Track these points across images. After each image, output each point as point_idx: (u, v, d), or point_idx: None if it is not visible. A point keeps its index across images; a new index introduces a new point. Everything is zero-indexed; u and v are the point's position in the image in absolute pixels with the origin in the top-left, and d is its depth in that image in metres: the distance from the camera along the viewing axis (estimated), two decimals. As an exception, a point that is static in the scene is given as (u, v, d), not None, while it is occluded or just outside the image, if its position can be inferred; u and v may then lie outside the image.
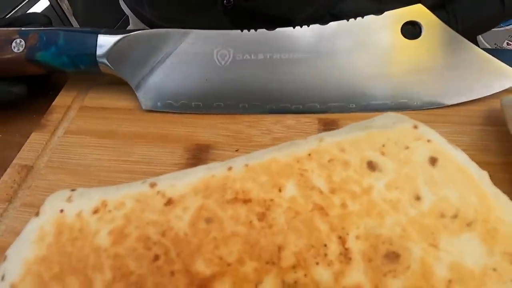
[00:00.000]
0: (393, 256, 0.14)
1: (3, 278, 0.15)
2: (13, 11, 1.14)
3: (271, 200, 0.16)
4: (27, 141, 0.29)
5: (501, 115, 0.24)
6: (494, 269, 0.14)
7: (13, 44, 0.29)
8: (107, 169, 0.27)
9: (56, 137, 0.29)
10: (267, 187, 0.16)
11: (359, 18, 0.26)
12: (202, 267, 0.15)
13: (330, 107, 0.27)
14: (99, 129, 0.29)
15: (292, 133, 0.27)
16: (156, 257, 0.15)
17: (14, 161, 0.28)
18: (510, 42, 1.39)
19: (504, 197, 0.16)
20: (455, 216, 0.15)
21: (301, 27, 0.27)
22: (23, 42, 0.29)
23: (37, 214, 0.17)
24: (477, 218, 0.15)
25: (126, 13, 0.55)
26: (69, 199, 0.17)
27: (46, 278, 0.15)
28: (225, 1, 0.36)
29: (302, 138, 0.26)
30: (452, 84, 0.26)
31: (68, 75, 0.34)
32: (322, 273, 0.14)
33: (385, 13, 0.26)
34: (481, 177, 0.16)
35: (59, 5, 1.39)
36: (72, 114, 0.31)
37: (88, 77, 0.33)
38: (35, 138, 0.29)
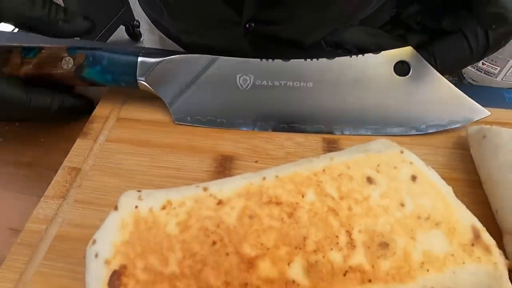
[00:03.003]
0: (384, 245, 0.20)
1: (96, 255, 0.21)
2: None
3: (297, 203, 0.22)
4: (73, 146, 0.34)
5: (466, 142, 0.31)
6: (452, 255, 0.20)
7: (63, 61, 0.34)
8: (146, 173, 0.32)
9: (98, 143, 0.34)
10: (293, 193, 0.22)
11: (360, 56, 0.32)
12: (248, 250, 0.20)
13: (332, 129, 0.33)
14: (135, 138, 0.34)
15: (301, 149, 0.33)
16: (214, 242, 0.21)
17: (64, 164, 0.33)
18: (485, 62, 1.51)
19: (462, 206, 0.22)
20: (427, 218, 0.21)
21: (311, 60, 0.32)
22: (71, 60, 0.34)
23: (115, 208, 0.22)
24: (442, 220, 0.21)
25: (142, 19, 0.58)
26: (139, 198, 0.23)
27: (132, 256, 0.20)
28: (247, 25, 0.42)
29: (310, 153, 0.33)
30: (432, 115, 0.32)
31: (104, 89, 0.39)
32: (335, 256, 0.20)
33: (381, 52, 0.32)
34: (447, 191, 0.22)
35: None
36: (110, 124, 0.36)
37: (123, 92, 0.38)
38: (80, 144, 0.34)
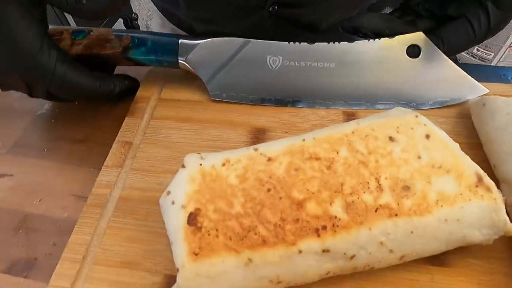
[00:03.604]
0: (406, 188, 0.25)
1: (173, 202, 0.25)
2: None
3: (333, 158, 0.27)
4: (123, 123, 0.38)
5: (468, 111, 0.36)
6: (461, 194, 0.25)
7: (111, 43, 0.38)
8: (191, 145, 0.36)
9: (144, 121, 0.39)
10: (329, 151, 0.27)
11: (377, 40, 0.36)
12: (297, 195, 0.25)
13: (351, 104, 0.38)
14: (177, 115, 0.39)
15: (325, 121, 0.38)
16: (268, 190, 0.25)
17: (117, 139, 0.37)
18: (479, 48, 1.56)
19: (467, 157, 0.27)
20: (440, 167, 0.26)
21: (334, 43, 0.37)
22: (118, 42, 0.38)
23: (183, 166, 0.27)
24: (452, 168, 0.26)
25: (152, 11, 0.61)
26: (201, 158, 0.27)
27: (203, 201, 0.25)
28: (270, 8, 0.46)
29: (332, 124, 0.37)
30: (439, 93, 0.37)
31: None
32: (367, 197, 0.25)
33: (396, 37, 0.36)
34: (455, 146, 0.27)
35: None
36: (153, 104, 0.40)
37: (161, 75, 0.42)
38: (129, 122, 0.39)
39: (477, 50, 1.58)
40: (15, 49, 0.31)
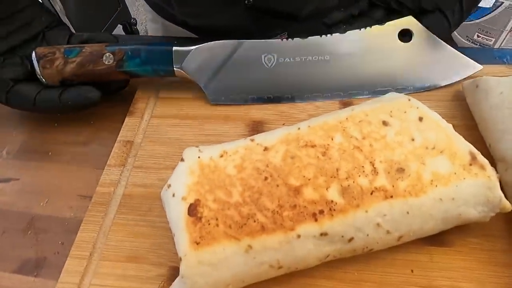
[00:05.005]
0: (400, 170, 0.26)
1: (173, 195, 0.26)
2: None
3: (328, 144, 0.27)
4: (124, 123, 0.39)
5: (462, 94, 0.36)
6: (455, 173, 0.25)
7: (104, 57, 0.37)
8: (190, 140, 0.37)
9: (145, 120, 0.40)
10: (324, 137, 0.28)
11: (368, 28, 0.37)
12: (293, 181, 0.26)
13: (351, 94, 0.38)
14: (176, 113, 0.40)
15: (321, 111, 0.38)
16: (266, 178, 0.26)
17: (119, 138, 0.38)
18: (480, 34, 1.55)
19: (460, 137, 0.27)
20: (433, 148, 0.26)
21: (326, 35, 0.37)
22: (112, 56, 0.38)
23: (182, 160, 0.28)
24: (445, 148, 0.26)
25: (145, 7, 0.61)
26: (200, 151, 0.28)
27: (203, 192, 0.26)
28: (246, 1, 0.46)
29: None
30: (434, 74, 0.37)
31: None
32: (363, 181, 0.25)
33: (387, 23, 0.36)
34: (447, 126, 0.28)
35: (52, 6, 1.45)
36: (152, 103, 0.41)
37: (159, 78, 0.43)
38: (129, 121, 0.39)
39: (478, 36, 1.57)
40: None
